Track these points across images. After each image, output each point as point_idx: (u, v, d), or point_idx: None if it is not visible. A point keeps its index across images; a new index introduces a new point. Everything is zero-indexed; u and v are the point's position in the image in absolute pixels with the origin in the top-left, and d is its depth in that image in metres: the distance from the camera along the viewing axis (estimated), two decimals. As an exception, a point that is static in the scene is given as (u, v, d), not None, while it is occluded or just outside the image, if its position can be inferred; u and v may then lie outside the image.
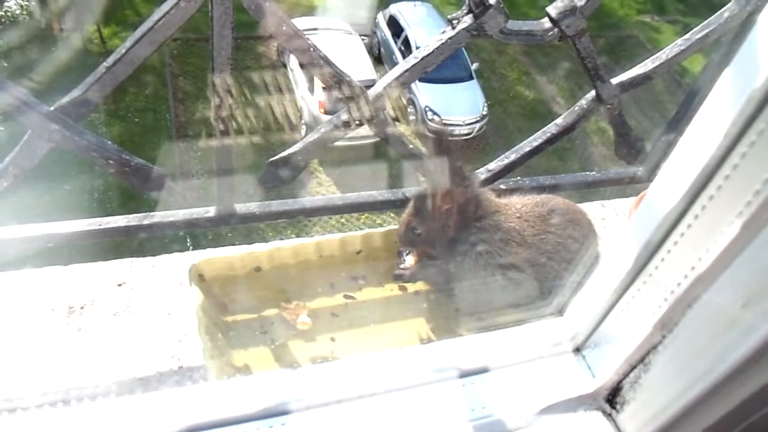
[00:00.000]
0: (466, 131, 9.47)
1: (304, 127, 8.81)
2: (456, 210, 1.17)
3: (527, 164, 1.40)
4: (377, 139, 1.34)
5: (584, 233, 1.26)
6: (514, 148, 1.42)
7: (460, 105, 9.53)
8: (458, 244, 1.20)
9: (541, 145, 1.40)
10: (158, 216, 1.26)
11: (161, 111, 8.79)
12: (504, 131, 9.95)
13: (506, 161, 1.41)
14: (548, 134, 1.41)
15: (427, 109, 9.38)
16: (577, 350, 0.85)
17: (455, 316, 1.28)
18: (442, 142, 1.29)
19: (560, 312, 0.88)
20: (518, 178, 1.44)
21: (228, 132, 1.20)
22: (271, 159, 1.30)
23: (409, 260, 1.30)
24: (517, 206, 1.24)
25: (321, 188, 8.25)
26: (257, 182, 1.29)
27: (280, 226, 6.67)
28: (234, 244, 1.30)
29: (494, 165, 1.42)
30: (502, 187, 1.41)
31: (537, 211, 1.24)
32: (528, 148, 1.41)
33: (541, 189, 1.41)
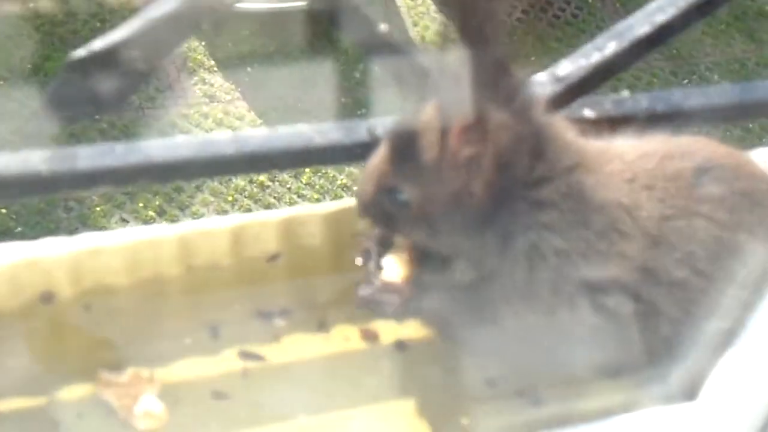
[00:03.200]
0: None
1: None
2: (492, 159, 0.71)
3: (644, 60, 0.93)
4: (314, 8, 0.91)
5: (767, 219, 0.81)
6: (614, 28, 0.83)
7: None
8: (494, 232, 0.75)
9: (677, 19, 0.79)
10: None
11: None
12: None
13: (598, 56, 0.81)
14: (694, -7, 0.83)
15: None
16: (729, 472, 0.62)
17: (484, 394, 0.79)
18: (466, 4, 0.76)
19: (692, 394, 0.65)
20: (624, 92, 0.96)
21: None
22: (75, 55, 0.73)
23: (391, 267, 0.73)
24: (625, 157, 0.78)
25: (202, 108, 3.29)
26: (45, 106, 0.81)
27: (110, 200, 2.85)
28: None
29: (571, 65, 0.82)
30: (588, 113, 0.82)
31: (670, 167, 0.78)
32: (646, 29, 0.80)
33: (672, 118, 0.85)
